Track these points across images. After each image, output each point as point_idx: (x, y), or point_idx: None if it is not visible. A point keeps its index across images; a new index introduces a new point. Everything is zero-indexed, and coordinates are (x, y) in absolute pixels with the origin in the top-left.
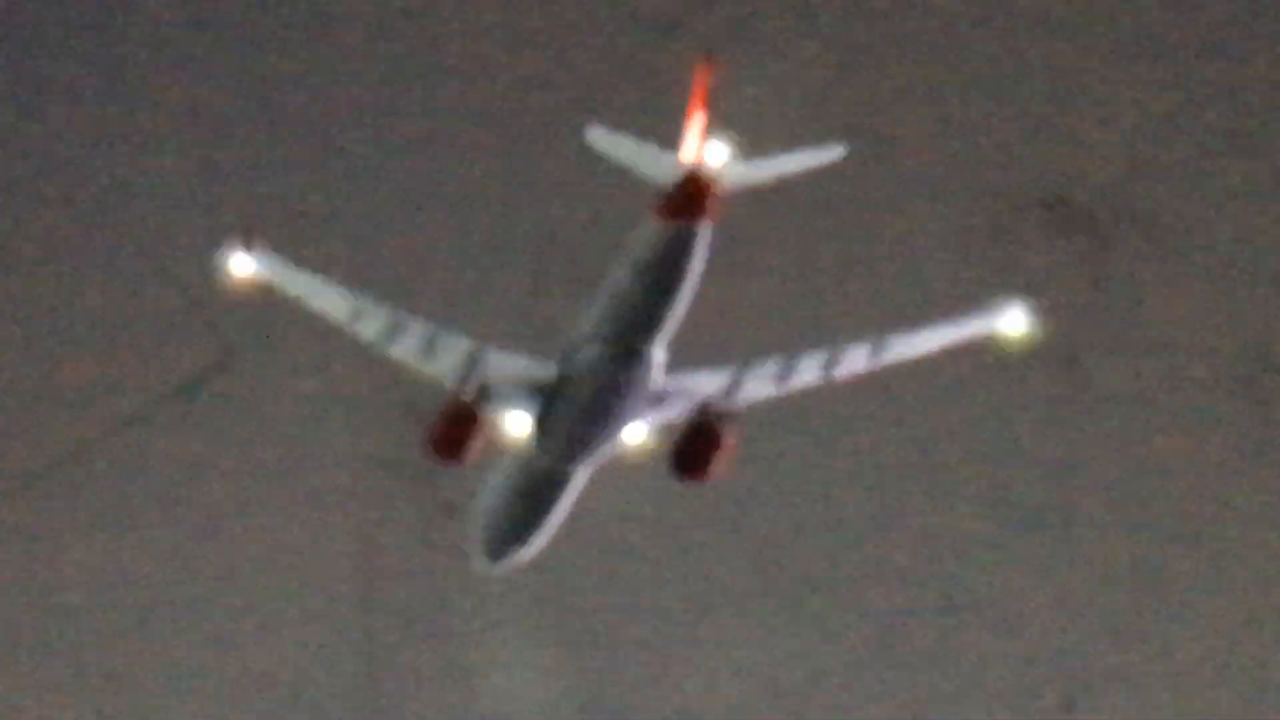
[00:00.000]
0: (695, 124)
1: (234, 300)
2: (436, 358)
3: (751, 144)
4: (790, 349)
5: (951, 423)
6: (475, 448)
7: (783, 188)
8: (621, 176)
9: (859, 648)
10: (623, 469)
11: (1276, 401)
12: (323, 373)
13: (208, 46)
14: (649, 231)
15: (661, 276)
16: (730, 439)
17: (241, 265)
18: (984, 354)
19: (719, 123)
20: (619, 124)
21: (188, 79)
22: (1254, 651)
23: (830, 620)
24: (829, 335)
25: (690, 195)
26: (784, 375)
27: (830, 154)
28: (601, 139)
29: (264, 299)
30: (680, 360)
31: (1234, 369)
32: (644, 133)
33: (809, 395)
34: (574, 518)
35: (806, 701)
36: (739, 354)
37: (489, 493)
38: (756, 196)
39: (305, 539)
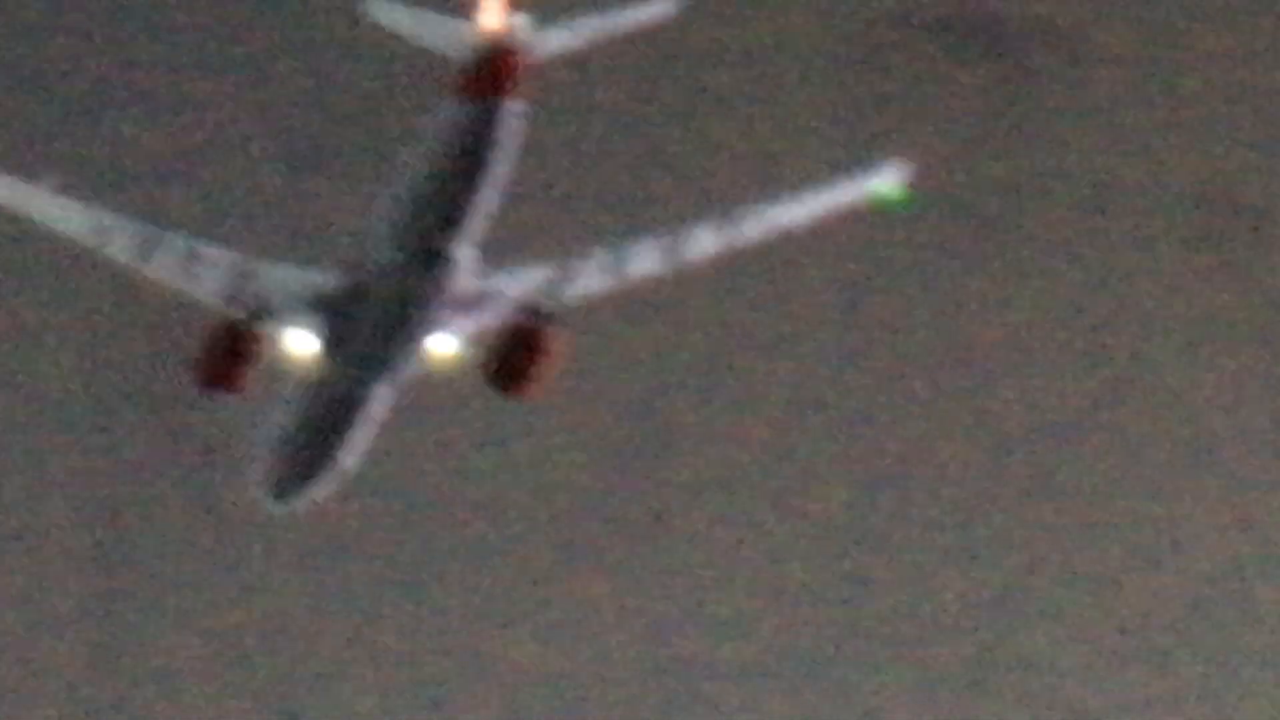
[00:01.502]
0: None
1: None
2: (199, 275)
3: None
4: (631, 233)
5: (837, 292)
6: (250, 374)
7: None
8: (408, 51)
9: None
10: (433, 385)
11: (1243, 251)
12: (39, 288)
13: None
14: (447, 112)
15: (465, 163)
16: (557, 344)
17: None
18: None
19: None
20: None
21: None
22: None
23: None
24: (681, 210)
25: (494, 68)
26: (619, 265)
27: (660, 7)
28: (381, 9)
29: None
30: (495, 257)
31: (1188, 217)
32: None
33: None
34: (377, 447)
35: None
36: (567, 245)
37: (274, 422)
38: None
39: (23, 490)
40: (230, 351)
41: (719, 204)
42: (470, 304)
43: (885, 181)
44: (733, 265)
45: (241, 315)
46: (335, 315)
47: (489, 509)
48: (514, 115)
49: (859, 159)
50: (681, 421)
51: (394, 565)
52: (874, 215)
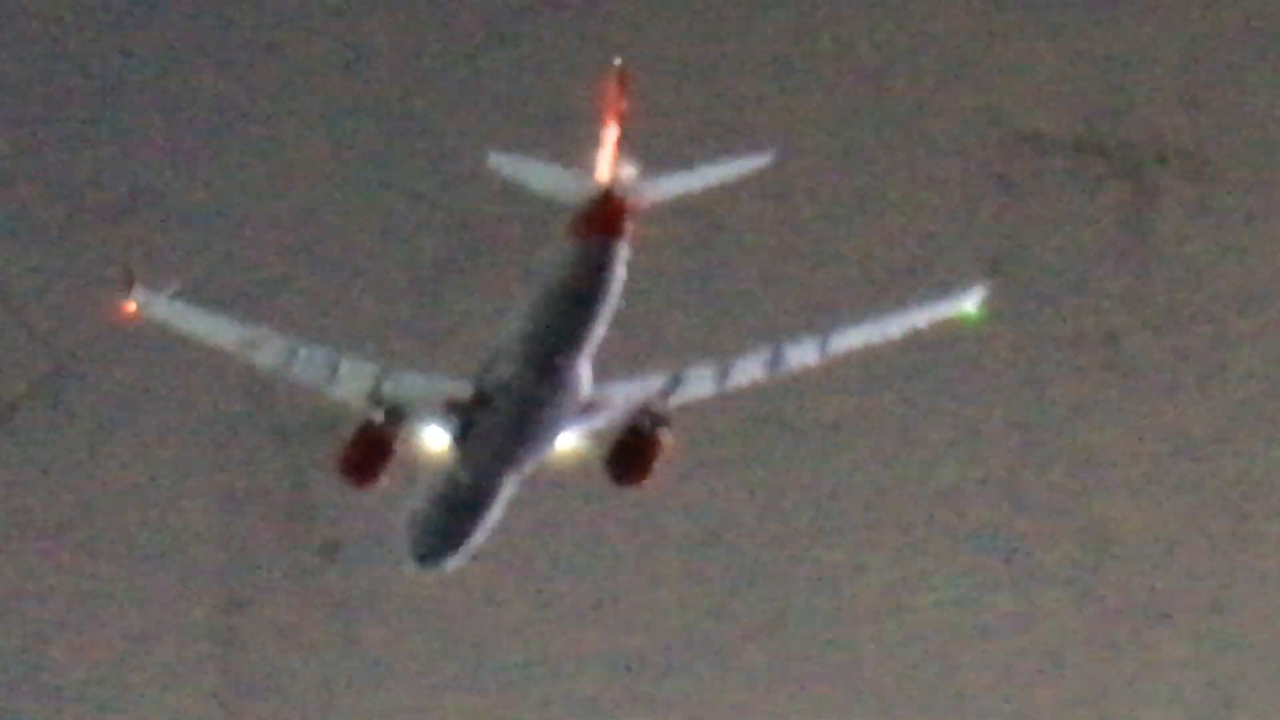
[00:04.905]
0: (608, 138)
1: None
2: (341, 382)
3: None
4: (751, 338)
5: (962, 415)
6: (385, 470)
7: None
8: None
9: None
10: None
11: None
12: (174, 394)
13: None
14: (563, 251)
15: (579, 297)
16: (668, 441)
17: (126, 306)
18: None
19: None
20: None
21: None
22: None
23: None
24: (804, 319)
25: (606, 214)
26: (725, 374)
27: (757, 161)
28: (505, 164)
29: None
30: (612, 368)
31: None
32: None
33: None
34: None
35: None
36: (681, 357)
37: (416, 503)
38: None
39: (155, 591)
40: (368, 449)
41: (831, 318)
42: (587, 409)
43: (970, 301)
44: (843, 377)
45: (379, 417)
46: (466, 419)
47: (606, 603)
48: (622, 253)
49: (979, 277)
50: (798, 523)
51: (516, 658)
52: (994, 332)
